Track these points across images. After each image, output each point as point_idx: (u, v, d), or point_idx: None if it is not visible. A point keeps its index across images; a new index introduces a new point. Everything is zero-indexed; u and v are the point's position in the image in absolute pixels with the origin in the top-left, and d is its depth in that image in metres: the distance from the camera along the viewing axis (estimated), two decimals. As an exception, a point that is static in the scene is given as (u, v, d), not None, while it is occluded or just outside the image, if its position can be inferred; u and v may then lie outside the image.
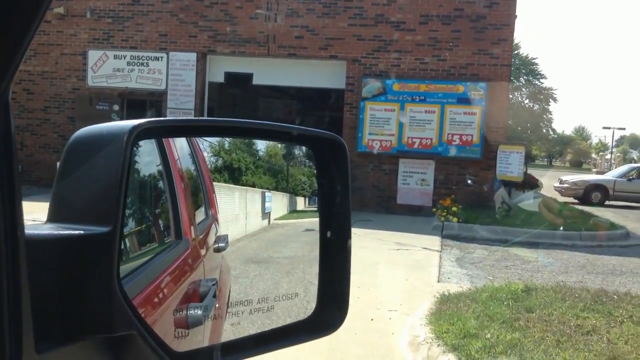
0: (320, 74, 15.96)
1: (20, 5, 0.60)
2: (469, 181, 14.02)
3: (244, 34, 15.89)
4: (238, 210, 1.67)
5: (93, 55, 16.61)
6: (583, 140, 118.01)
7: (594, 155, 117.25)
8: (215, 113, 17.13)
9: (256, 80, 16.41)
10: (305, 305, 1.45)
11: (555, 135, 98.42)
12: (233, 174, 1.63)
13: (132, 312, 0.95)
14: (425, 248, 10.51)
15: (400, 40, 15.26)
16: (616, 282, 8.74)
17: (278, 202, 1.67)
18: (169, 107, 16.37)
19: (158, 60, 16.34)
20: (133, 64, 16.43)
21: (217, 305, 1.38)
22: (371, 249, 9.99)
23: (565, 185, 24.41)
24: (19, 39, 0.62)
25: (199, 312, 1.29)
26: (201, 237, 1.58)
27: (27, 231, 0.73)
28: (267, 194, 1.68)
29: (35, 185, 15.80)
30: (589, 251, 11.50)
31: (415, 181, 15.26)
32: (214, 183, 1.60)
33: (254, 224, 1.60)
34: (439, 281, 7.88)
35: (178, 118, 1.76)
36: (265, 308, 1.41)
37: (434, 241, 11.38)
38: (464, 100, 14.81)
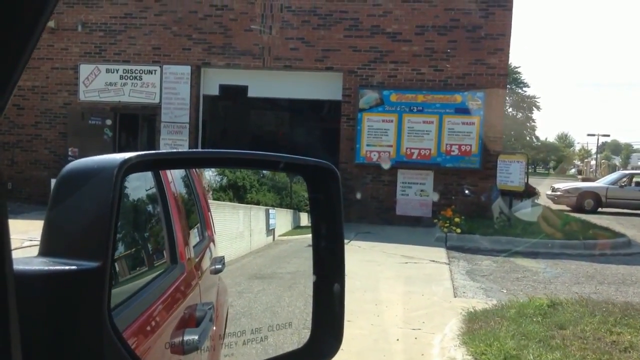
0: (316, 86, 15.84)
1: (17, 21, 0.60)
2: (467, 191, 13.93)
3: (239, 46, 15.74)
4: (243, 228, 1.71)
5: (85, 69, 16.35)
6: (566, 147, 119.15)
7: (577, 162, 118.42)
8: (209, 126, 16.93)
9: (251, 93, 16.24)
10: (299, 334, 1.47)
11: (539, 143, 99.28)
12: (238, 192, 1.66)
13: (124, 346, 0.95)
14: (433, 261, 10.37)
15: (397, 51, 15.20)
16: (630, 292, 8.67)
17: (282, 219, 1.70)
18: (163, 121, 16.15)
19: (151, 73, 16.13)
20: (126, 77, 16.20)
21: (214, 329, 1.41)
22: (378, 262, 9.84)
23: (558, 193, 24.47)
24: (16, 56, 0.61)
25: (196, 337, 1.30)
26: (197, 259, 1.59)
27: (17, 266, 0.72)
28: (271, 211, 1.72)
29: (26, 202, 15.47)
30: (594, 260, 11.44)
31: (414, 192, 15.15)
32: (217, 202, 1.63)
33: (258, 240, 1.63)
34: (455, 296, 7.74)
35: (168, 151, 1.68)
36: (258, 338, 1.42)
37: (440, 253, 11.25)
38: (462, 110, 14.76)
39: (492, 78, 14.86)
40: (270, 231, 1.76)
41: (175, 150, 1.96)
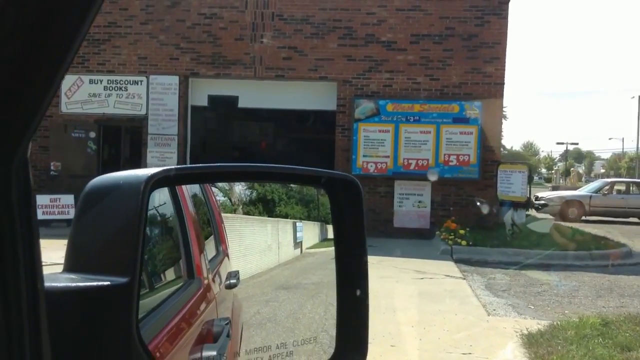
0: (310, 96, 15.45)
1: (43, 63, 0.61)
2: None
3: (229, 56, 15.27)
4: (271, 241, 1.75)
5: (67, 80, 15.64)
6: (532, 156, 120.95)
7: (543, 170, 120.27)
8: (197, 138, 16.37)
9: (242, 103, 15.76)
10: (323, 347, 1.50)
11: (506, 151, 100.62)
12: (267, 206, 1.69)
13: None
14: (448, 275, 10.03)
15: (392, 60, 14.92)
16: (656, 305, 8.45)
17: (309, 232, 1.73)
18: (150, 133, 15.55)
19: (137, 84, 15.53)
20: (110, 88, 15.56)
21: (230, 345, 1.42)
22: (394, 278, 9.46)
23: (542, 201, 24.47)
24: (41, 97, 0.63)
25: (214, 353, 1.31)
26: (213, 274, 1.61)
27: (46, 283, 0.72)
28: (298, 224, 1.75)
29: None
30: (603, 271, 11.24)
31: (411, 203, 14.84)
32: (247, 216, 1.68)
33: (286, 253, 1.65)
34: (489, 314, 7.38)
35: (193, 166, 1.54)
36: (284, 353, 1.46)
37: (450, 267, 10.93)
38: (459, 119, 14.54)
39: (489, 87, 14.69)
40: (297, 244, 1.79)
41: (198, 164, 1.57)
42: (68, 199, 13.33)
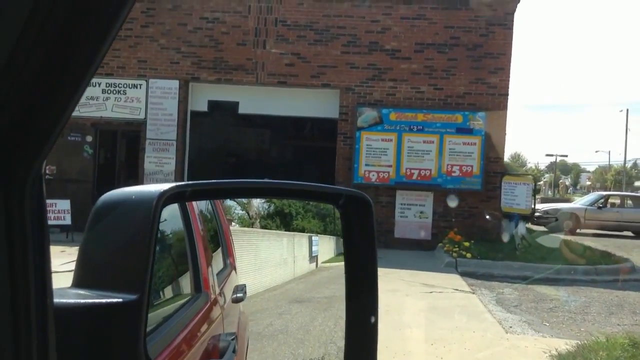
0: (312, 103, 15.26)
1: (62, 83, 0.62)
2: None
3: (231, 61, 15.05)
4: (287, 255, 1.79)
5: (64, 82, 15.33)
6: (520, 167, 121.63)
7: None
8: (196, 144, 16.10)
9: (242, 110, 15.53)
10: None
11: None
12: (284, 219, 1.72)
13: None
14: (457, 290, 9.85)
15: (396, 69, 14.78)
16: (672, 324, 8.31)
17: (325, 246, 1.74)
18: (148, 138, 15.27)
19: (136, 87, 15.26)
20: (109, 92, 15.28)
21: None
22: (403, 292, 9.26)
23: (537, 214, 24.41)
24: (58, 116, 0.63)
25: None
26: (220, 288, 1.63)
27: (55, 299, 0.71)
28: (314, 237, 1.77)
29: None
30: (610, 287, 11.11)
31: (413, 214, 14.67)
32: (263, 230, 1.70)
33: (302, 267, 1.70)
34: (506, 332, 7.19)
35: (204, 182, 1.45)
36: None
37: (457, 280, 10.75)
38: (463, 130, 14.40)
39: (493, 98, 14.58)
40: (313, 258, 1.81)
41: (207, 181, 1.47)
42: (64, 204, 13.01)
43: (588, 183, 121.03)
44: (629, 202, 25.20)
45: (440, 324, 7.35)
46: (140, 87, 15.26)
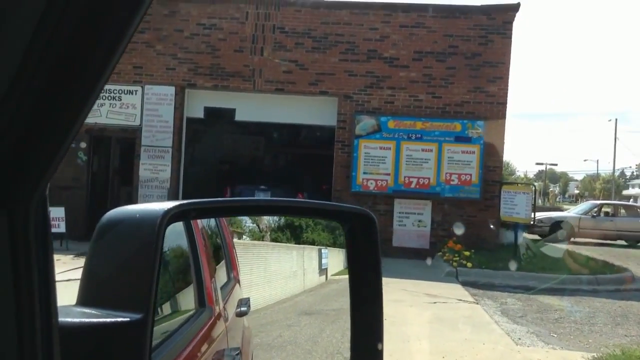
0: (309, 111, 15.15)
1: (66, 105, 0.62)
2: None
3: (228, 68, 14.92)
4: (296, 268, 1.80)
5: (58, 87, 15.12)
6: (509, 175, 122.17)
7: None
8: (191, 151, 15.93)
9: (239, 116, 15.40)
10: None
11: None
12: (294, 232, 1.73)
13: None
14: (461, 300, 9.73)
15: (394, 77, 14.70)
16: (679, 335, 8.23)
17: (335, 258, 1.73)
18: (143, 145, 15.08)
19: (132, 94, 15.07)
20: (103, 97, 15.07)
21: None
22: (407, 302, 9.13)
23: (531, 222, 24.36)
24: (62, 139, 0.63)
25: None
26: (224, 302, 1.62)
27: (60, 318, 0.72)
28: (324, 250, 1.77)
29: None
30: (612, 297, 11.04)
31: (411, 222, 14.56)
32: (273, 243, 1.72)
33: (311, 280, 1.70)
34: (516, 344, 7.08)
35: (208, 200, 1.42)
36: None
37: (459, 290, 10.64)
38: (461, 138, 14.34)
39: (492, 106, 14.53)
40: (322, 271, 1.81)
41: (211, 199, 1.47)
42: (58, 212, 12.76)
43: (576, 191, 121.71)
44: (622, 211, 25.26)
45: (448, 335, 7.22)
46: (135, 93, 15.07)
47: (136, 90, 15.08)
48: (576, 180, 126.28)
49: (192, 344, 1.36)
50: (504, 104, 14.58)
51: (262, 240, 1.98)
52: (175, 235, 1.33)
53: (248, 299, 1.73)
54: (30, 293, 0.65)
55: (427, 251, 14.12)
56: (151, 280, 0.94)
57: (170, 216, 1.02)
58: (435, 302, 9.33)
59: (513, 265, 12.32)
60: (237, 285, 1.79)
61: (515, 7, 14.51)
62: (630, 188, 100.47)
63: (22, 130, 0.62)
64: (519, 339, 7.39)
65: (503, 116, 14.58)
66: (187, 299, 1.47)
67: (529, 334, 7.75)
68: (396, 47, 14.71)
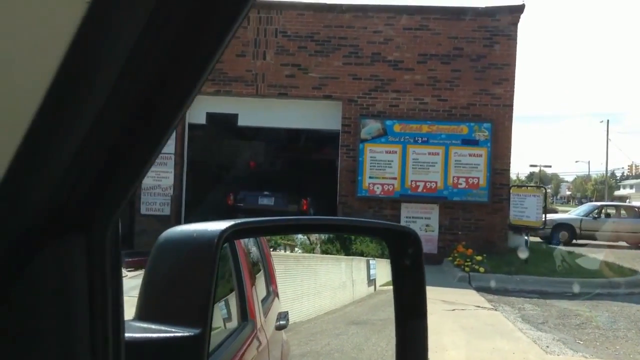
0: (313, 115, 14.93)
1: (147, 133, 0.63)
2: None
3: (230, 72, 14.66)
4: (345, 279, 1.93)
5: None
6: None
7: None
8: (193, 157, 15.67)
9: (242, 122, 15.15)
10: None
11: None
12: (344, 243, 1.85)
13: None
14: (479, 306, 9.53)
15: (399, 80, 14.51)
16: None
17: (383, 269, 1.75)
18: (144, 152, 14.76)
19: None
20: (103, 104, 14.77)
21: None
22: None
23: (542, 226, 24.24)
24: (141, 167, 0.65)
25: None
26: (264, 316, 1.69)
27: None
28: (372, 261, 1.86)
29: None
30: (628, 300, 10.89)
31: (418, 227, 14.33)
32: (322, 255, 1.84)
33: (360, 290, 1.78)
34: (545, 352, 6.88)
35: (260, 219, 1.40)
36: None
37: (475, 296, 10.44)
38: (468, 141, 14.16)
39: (498, 109, 14.37)
40: (371, 281, 1.84)
41: (262, 218, 1.59)
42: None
43: (568, 193, 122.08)
44: (623, 212, 25.21)
45: (476, 345, 7.01)
46: (136, 100, 14.79)
47: (137, 97, 14.79)
48: (567, 182, 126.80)
49: (237, 357, 1.39)
50: (510, 105, 14.43)
51: (313, 252, 2.02)
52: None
53: (287, 313, 1.75)
54: (104, 313, 0.67)
55: (435, 256, 13.91)
56: (209, 297, 0.97)
57: (227, 235, 1.06)
58: (453, 310, 9.11)
59: (523, 269, 12.15)
60: (276, 298, 1.81)
61: (520, 8, 14.38)
62: (621, 189, 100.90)
63: (106, 154, 0.62)
64: (547, 347, 7.19)
65: (510, 118, 14.43)
66: (232, 312, 1.49)
67: (556, 342, 7.55)
68: (400, 50, 14.53)
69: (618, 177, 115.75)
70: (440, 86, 14.47)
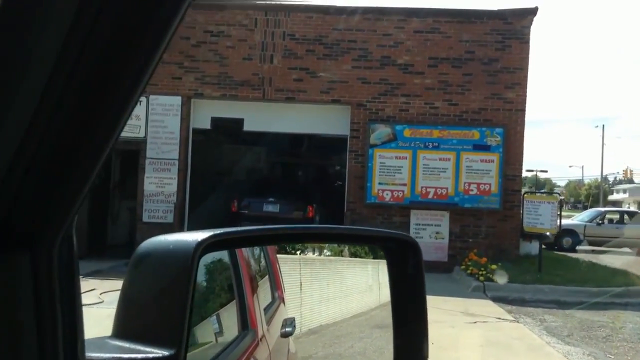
0: (321, 120, 14.64)
1: (90, 139, 0.61)
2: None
3: (236, 76, 14.36)
4: (372, 282, 1.94)
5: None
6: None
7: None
8: (197, 163, 15.33)
9: (247, 127, 14.83)
10: None
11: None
12: (373, 247, 1.82)
13: None
14: (500, 318, 9.24)
15: (409, 84, 14.24)
16: None
17: None
18: (148, 157, 14.47)
19: (136, 104, 14.42)
20: (106, 108, 14.44)
21: None
22: (446, 322, 8.60)
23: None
24: (85, 177, 0.63)
25: None
26: (268, 324, 1.63)
27: (90, 354, 0.70)
28: None
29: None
30: (648, 310, 10.63)
31: (428, 234, 14.07)
32: (349, 258, 1.98)
33: (386, 294, 1.63)
34: (582, 369, 6.60)
35: (243, 229, 1.24)
36: None
37: (493, 307, 10.16)
38: (480, 147, 13.90)
39: (510, 113, 14.12)
40: None
41: (246, 227, 1.36)
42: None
43: (562, 197, 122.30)
44: (627, 218, 25.02)
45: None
46: (140, 104, 14.43)
47: (140, 101, 14.36)
48: (560, 187, 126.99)
49: None
50: (522, 110, 14.17)
51: (341, 255, 2.08)
52: (217, 257, 1.30)
53: (293, 319, 1.71)
54: (54, 335, 0.63)
55: (445, 264, 13.64)
56: (183, 314, 0.92)
57: (204, 247, 1.00)
58: (475, 322, 8.82)
59: (538, 279, 11.86)
60: (282, 304, 1.76)
61: (533, 11, 14.13)
62: (614, 193, 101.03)
63: (44, 168, 0.59)
64: (580, 363, 6.91)
65: (522, 123, 14.18)
66: (230, 322, 1.44)
67: (587, 356, 7.29)
68: (410, 54, 14.26)
69: (611, 182, 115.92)
70: (451, 90, 14.21)
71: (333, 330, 1.86)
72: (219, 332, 1.38)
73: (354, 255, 2.00)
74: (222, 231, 1.13)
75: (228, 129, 15.15)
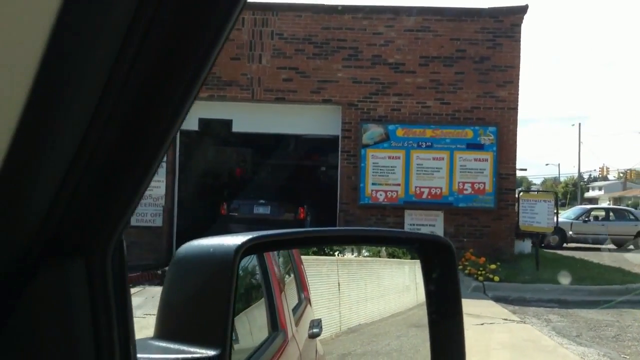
0: (311, 120, 14.38)
1: (142, 151, 0.61)
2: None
3: (224, 76, 14.02)
4: (409, 282, 1.91)
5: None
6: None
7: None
8: (185, 165, 14.97)
9: (236, 128, 14.51)
10: None
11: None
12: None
13: None
14: (506, 319, 9.07)
15: (400, 83, 14.05)
16: None
17: None
18: (134, 161, 14.03)
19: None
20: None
21: None
22: (453, 325, 8.40)
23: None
24: (138, 185, 0.63)
25: None
26: (296, 324, 1.66)
27: (139, 354, 0.72)
28: None
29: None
30: (650, 307, 10.56)
31: (423, 235, 13.86)
32: (386, 259, 2.02)
33: (423, 294, 1.64)
34: (601, 371, 6.43)
35: (279, 232, 1.37)
36: None
37: (495, 307, 10.01)
38: (473, 146, 13.75)
39: (502, 112, 14.00)
40: None
41: (281, 231, 1.38)
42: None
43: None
44: (612, 214, 25.19)
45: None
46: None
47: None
48: (536, 184, 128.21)
49: None
50: (515, 109, 14.06)
51: (379, 256, 2.05)
52: (246, 259, 1.31)
53: (320, 320, 1.72)
54: (109, 338, 0.64)
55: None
56: (227, 315, 0.94)
57: (244, 250, 1.02)
58: (483, 324, 8.63)
59: (535, 277, 11.75)
60: (309, 305, 1.77)
61: (524, 9, 14.04)
62: (590, 190, 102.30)
63: (99, 175, 0.59)
64: (598, 365, 6.75)
65: (515, 121, 14.07)
66: (261, 323, 1.46)
67: (603, 357, 7.12)
68: (401, 52, 14.07)
69: (586, 179, 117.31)
70: (443, 89, 14.05)
71: (371, 329, 1.91)
72: (251, 333, 1.40)
73: (391, 255, 2.01)
74: (258, 234, 1.15)
75: (216, 130, 14.83)
